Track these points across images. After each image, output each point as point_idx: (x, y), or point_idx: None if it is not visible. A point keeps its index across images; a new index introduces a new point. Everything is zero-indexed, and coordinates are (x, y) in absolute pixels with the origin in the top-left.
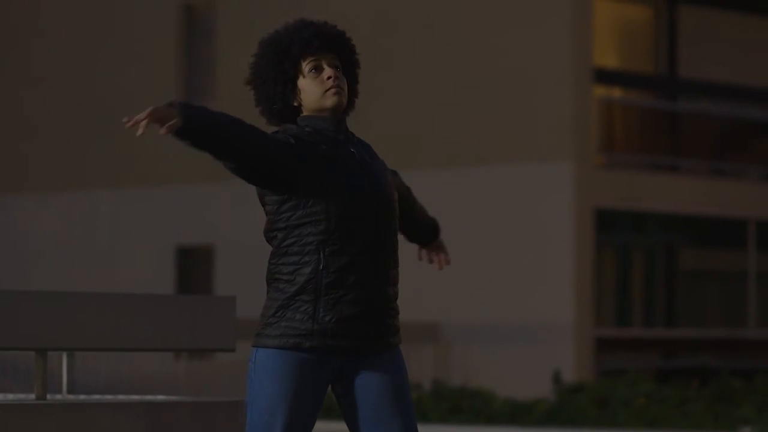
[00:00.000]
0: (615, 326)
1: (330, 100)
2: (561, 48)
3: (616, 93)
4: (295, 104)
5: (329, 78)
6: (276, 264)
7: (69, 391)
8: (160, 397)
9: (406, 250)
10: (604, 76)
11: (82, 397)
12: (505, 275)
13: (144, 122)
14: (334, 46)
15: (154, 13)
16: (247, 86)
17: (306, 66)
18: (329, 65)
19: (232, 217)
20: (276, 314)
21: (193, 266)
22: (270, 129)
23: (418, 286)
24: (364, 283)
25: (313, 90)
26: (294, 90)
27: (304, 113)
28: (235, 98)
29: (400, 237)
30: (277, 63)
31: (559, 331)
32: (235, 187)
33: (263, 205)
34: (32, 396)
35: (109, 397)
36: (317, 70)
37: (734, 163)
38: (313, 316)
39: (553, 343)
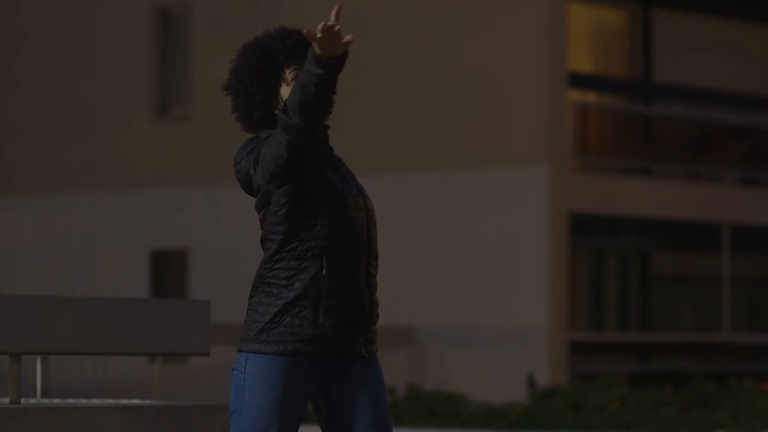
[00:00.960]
0: (589, 330)
1: None
2: (536, 52)
3: (591, 97)
4: (276, 112)
5: None
6: (271, 268)
7: (43, 395)
8: (135, 401)
9: (387, 255)
10: (578, 81)
11: (57, 401)
12: (479, 279)
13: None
14: None
15: (130, 17)
16: (224, 92)
17: (289, 74)
18: None
19: (207, 221)
20: (274, 320)
21: (168, 270)
22: (246, 135)
23: (393, 290)
24: (360, 289)
25: None
26: (276, 98)
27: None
28: (210, 103)
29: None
30: (260, 70)
31: (533, 335)
32: (209, 191)
33: (261, 209)
34: (6, 400)
35: (83, 401)
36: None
37: (708, 167)
38: (313, 321)
39: (527, 347)
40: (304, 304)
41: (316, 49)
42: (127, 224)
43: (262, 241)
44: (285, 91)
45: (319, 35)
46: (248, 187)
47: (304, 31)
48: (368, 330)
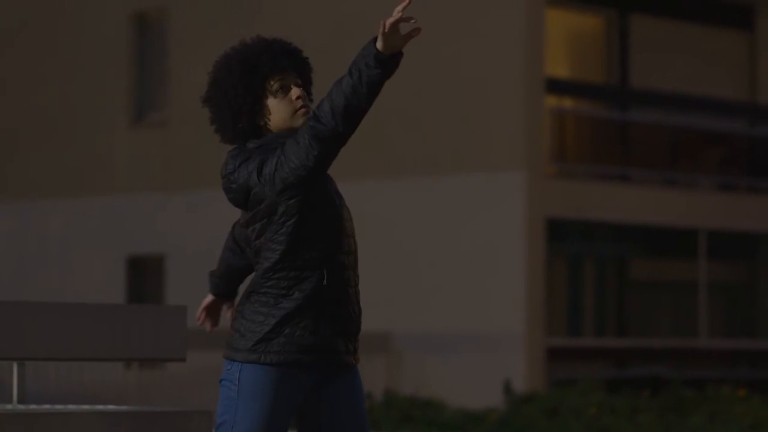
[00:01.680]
0: (566, 336)
1: (300, 120)
2: (513, 58)
3: (568, 103)
4: (261, 123)
5: (298, 98)
6: (270, 278)
7: (19, 401)
8: (111, 407)
9: (365, 261)
10: (555, 86)
11: (33, 406)
12: (456, 285)
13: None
14: (297, 65)
15: (107, 22)
16: (204, 104)
17: (274, 85)
18: (295, 85)
19: (184, 226)
20: (274, 330)
21: (145, 276)
22: (226, 148)
23: (370, 295)
24: (352, 298)
25: (281, 110)
26: (261, 109)
27: (271, 132)
28: (187, 109)
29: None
30: (245, 81)
31: (510, 341)
32: (186, 196)
33: (260, 220)
34: None
35: (59, 407)
36: (284, 89)
37: (685, 173)
38: (314, 331)
39: (504, 353)
40: (306, 314)
41: (380, 46)
42: (104, 229)
43: (258, 251)
44: (271, 103)
45: (386, 31)
46: (242, 198)
47: (387, 21)
48: (356, 339)
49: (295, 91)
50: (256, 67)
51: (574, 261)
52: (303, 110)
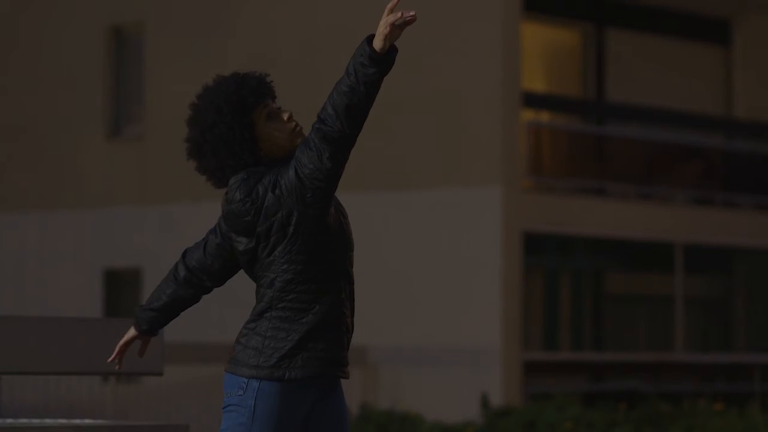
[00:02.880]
0: (542, 350)
1: (300, 137)
2: (489, 71)
3: (544, 117)
4: (261, 154)
5: (290, 119)
6: (291, 291)
7: None
8: (88, 421)
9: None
10: (532, 100)
11: (9, 421)
12: (433, 298)
13: None
14: (270, 90)
15: (83, 35)
16: (190, 158)
17: (261, 114)
18: (279, 108)
19: (160, 240)
20: (298, 345)
21: (121, 289)
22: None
23: None
24: (351, 311)
25: (277, 134)
26: (257, 141)
27: (266, 159)
28: (164, 122)
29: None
30: (238, 118)
31: (486, 355)
32: (163, 210)
33: (276, 233)
34: None
35: (36, 421)
36: (272, 115)
37: (661, 187)
38: (330, 344)
39: (480, 367)
40: (327, 327)
41: (378, 45)
42: (80, 243)
43: (269, 266)
44: (263, 131)
45: (387, 29)
46: (256, 218)
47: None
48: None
49: (285, 113)
50: (244, 103)
51: (550, 275)
52: (298, 128)
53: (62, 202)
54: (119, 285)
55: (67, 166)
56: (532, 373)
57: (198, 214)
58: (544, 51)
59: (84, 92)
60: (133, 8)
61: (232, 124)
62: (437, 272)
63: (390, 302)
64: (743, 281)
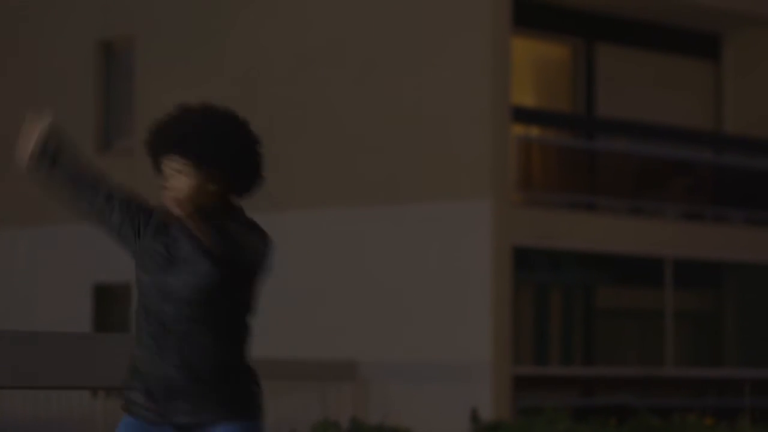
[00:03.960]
0: (533, 364)
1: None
2: (479, 86)
3: (534, 131)
4: None
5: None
6: (245, 351)
7: None
8: None
9: (331, 288)
10: (522, 115)
11: None
12: (423, 313)
13: None
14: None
15: (73, 49)
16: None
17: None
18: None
19: None
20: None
21: (111, 304)
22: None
23: (336, 323)
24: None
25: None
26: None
27: None
28: None
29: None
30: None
31: (477, 369)
32: None
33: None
34: None
35: None
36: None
37: (651, 201)
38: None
39: (471, 381)
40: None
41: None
42: (70, 258)
43: (237, 324)
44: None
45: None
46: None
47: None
48: None
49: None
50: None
51: (540, 289)
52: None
53: (52, 216)
54: (109, 300)
55: None
56: (522, 388)
57: None
58: (533, 66)
59: (74, 106)
60: (122, 22)
61: (238, 150)
62: (427, 287)
63: (380, 317)
64: (733, 296)
